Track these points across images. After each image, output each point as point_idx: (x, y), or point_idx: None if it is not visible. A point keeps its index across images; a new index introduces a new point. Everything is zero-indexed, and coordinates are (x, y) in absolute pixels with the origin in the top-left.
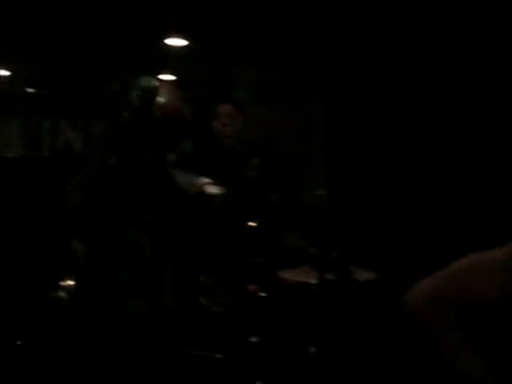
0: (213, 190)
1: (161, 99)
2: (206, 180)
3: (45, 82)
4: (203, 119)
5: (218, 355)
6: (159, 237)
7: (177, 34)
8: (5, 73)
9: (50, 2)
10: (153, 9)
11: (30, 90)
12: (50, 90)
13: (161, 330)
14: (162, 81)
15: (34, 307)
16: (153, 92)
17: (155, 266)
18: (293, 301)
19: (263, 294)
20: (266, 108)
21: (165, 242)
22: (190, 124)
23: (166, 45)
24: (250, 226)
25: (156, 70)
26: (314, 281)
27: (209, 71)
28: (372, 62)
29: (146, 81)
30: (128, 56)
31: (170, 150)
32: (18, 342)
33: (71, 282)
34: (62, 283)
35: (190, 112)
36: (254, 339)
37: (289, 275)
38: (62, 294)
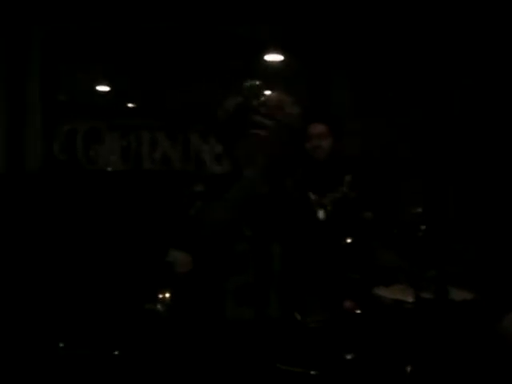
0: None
1: (266, 96)
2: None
3: (143, 96)
4: (299, 137)
5: (312, 372)
6: (264, 248)
7: (275, 50)
8: (104, 88)
9: (148, 18)
10: (250, 25)
11: (129, 105)
12: (149, 104)
13: (263, 340)
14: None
15: (131, 318)
16: (256, 89)
17: (260, 277)
18: (388, 319)
19: (359, 311)
20: (364, 122)
21: (269, 254)
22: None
23: (264, 61)
24: (346, 242)
25: None
26: (410, 299)
27: (306, 87)
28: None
29: (249, 81)
30: (226, 71)
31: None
32: (116, 352)
33: (168, 295)
34: (160, 295)
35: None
36: (349, 356)
37: (385, 293)
38: (159, 306)
